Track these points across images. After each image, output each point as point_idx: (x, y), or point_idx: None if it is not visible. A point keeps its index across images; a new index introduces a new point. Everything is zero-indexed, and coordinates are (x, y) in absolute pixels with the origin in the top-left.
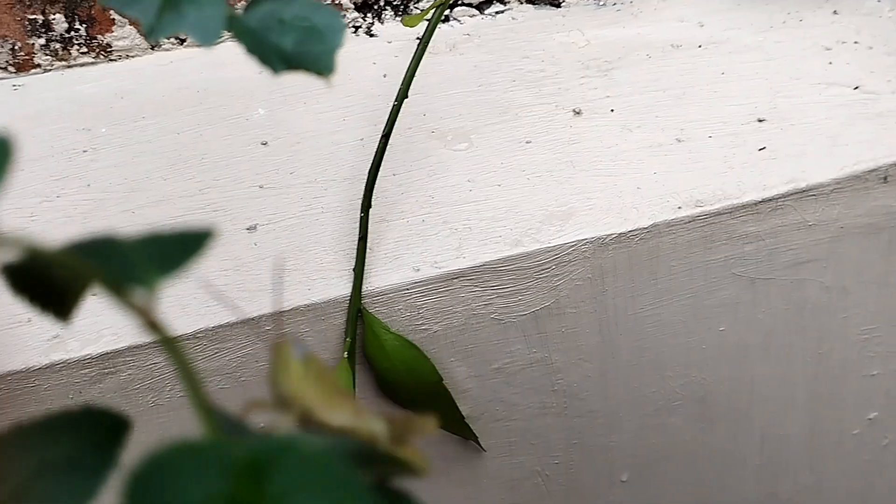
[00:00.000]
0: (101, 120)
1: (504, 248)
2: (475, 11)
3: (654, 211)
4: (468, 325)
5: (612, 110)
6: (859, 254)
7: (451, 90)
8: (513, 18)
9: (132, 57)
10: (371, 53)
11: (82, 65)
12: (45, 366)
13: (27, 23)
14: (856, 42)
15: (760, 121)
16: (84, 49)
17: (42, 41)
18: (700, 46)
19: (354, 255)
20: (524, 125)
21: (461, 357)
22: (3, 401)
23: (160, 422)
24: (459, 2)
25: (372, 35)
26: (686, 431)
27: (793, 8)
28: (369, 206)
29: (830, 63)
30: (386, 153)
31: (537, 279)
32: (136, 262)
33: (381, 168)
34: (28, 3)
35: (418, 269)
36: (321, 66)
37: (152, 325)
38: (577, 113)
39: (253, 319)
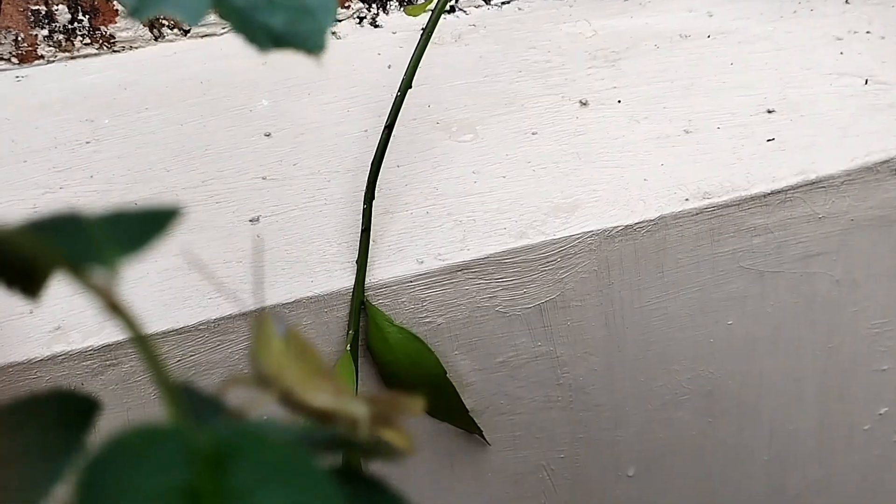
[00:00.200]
0: (104, 111)
1: (509, 241)
2: (481, 2)
3: (661, 203)
4: (472, 317)
5: (619, 101)
6: (870, 246)
7: (457, 81)
8: (519, 9)
9: (135, 48)
10: (376, 44)
11: (85, 56)
12: (46, 357)
13: (30, 14)
14: (868, 32)
15: (770, 112)
16: (87, 40)
17: (45, 32)
18: (709, 36)
19: (358, 246)
20: (530, 116)
21: (465, 350)
22: (5, 392)
23: (161, 414)
24: None
25: (377, 26)
26: (693, 426)
27: None
28: (373, 197)
29: (841, 53)
30: (390, 144)
31: (542, 272)
32: (98, 241)
33: (384, 159)
34: None
35: (422, 262)
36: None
37: (112, 305)
38: (584, 104)
39: (256, 311)
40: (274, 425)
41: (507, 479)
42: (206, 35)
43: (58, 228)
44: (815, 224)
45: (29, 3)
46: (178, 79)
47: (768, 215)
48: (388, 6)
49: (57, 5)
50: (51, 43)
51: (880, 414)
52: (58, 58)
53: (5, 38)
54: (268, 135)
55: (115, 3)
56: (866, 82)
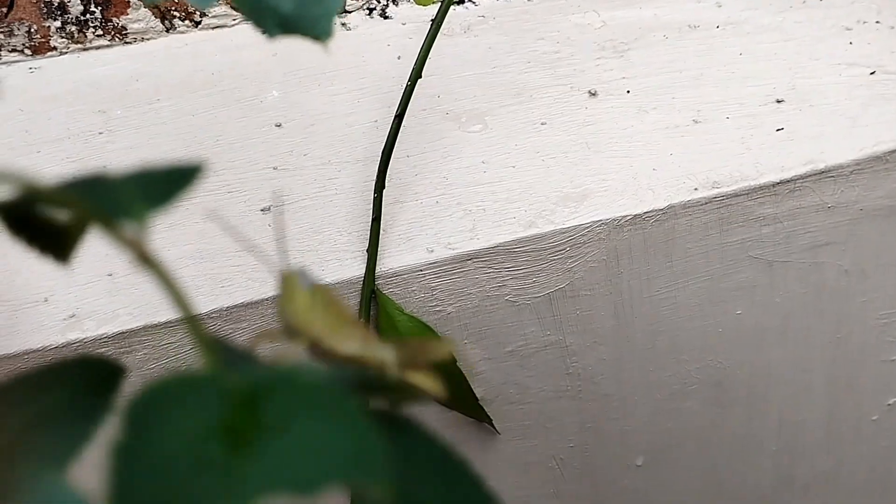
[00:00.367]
0: (116, 102)
1: (518, 230)
2: None
3: (669, 192)
4: (482, 306)
5: (627, 91)
6: (879, 236)
7: (466, 72)
8: (528, 0)
9: (147, 40)
10: (385, 35)
11: (98, 47)
12: (61, 345)
13: (43, 6)
14: (877, 22)
15: (779, 102)
16: (99, 32)
17: (58, 24)
18: (718, 27)
19: (368, 236)
20: (539, 107)
21: (475, 339)
22: None
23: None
24: None
25: (386, 17)
26: (702, 416)
27: None
28: (383, 187)
29: (850, 43)
30: (400, 135)
31: (552, 261)
32: (126, 197)
33: (394, 149)
34: None
35: (432, 251)
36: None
37: (142, 256)
38: (593, 94)
39: (268, 300)
40: (306, 367)
41: (516, 468)
42: (216, 27)
43: (88, 187)
44: (824, 214)
45: None
46: (189, 70)
47: (777, 205)
48: None
49: None
50: (63, 34)
51: (889, 404)
52: (70, 49)
53: (19, 29)
54: (278, 125)
55: None
56: (874, 73)
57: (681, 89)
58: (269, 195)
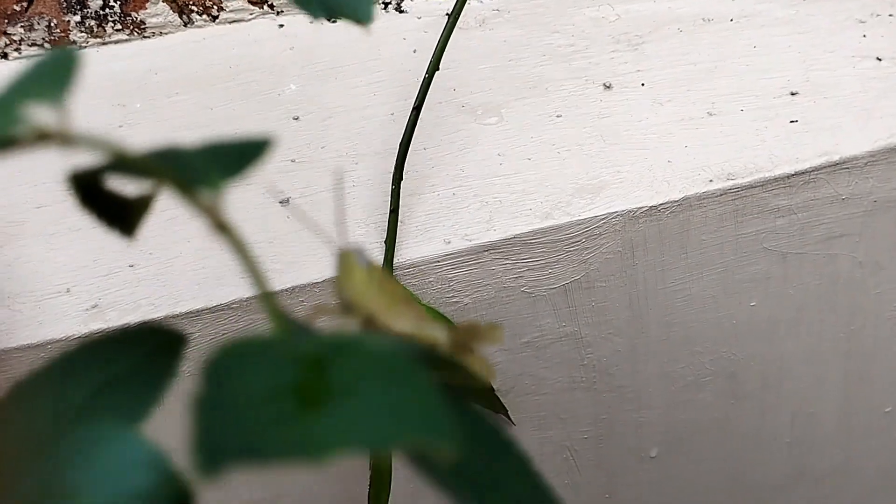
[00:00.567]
0: (135, 96)
1: (534, 221)
2: None
3: (684, 184)
4: (498, 297)
5: (642, 84)
6: (893, 228)
7: (481, 65)
8: None
9: (165, 34)
10: (401, 29)
11: (116, 42)
12: (83, 335)
13: (63, 1)
14: (890, 15)
15: (793, 94)
16: (118, 26)
17: (77, 18)
18: (732, 20)
19: (386, 227)
20: (554, 100)
21: None
22: None
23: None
24: None
25: (402, 11)
26: (715, 408)
27: None
28: (400, 179)
29: (864, 36)
30: (416, 127)
31: (567, 252)
32: (201, 167)
33: (412, 141)
34: None
35: (449, 242)
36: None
37: (219, 224)
38: (608, 87)
39: (287, 291)
40: (370, 335)
41: (531, 458)
42: (234, 21)
43: (164, 158)
44: (838, 205)
45: None
46: (207, 64)
47: (791, 196)
48: None
49: None
50: (83, 29)
51: None
52: (89, 43)
53: (38, 23)
54: (296, 118)
55: None
56: (888, 65)
57: (695, 82)
58: (287, 187)
